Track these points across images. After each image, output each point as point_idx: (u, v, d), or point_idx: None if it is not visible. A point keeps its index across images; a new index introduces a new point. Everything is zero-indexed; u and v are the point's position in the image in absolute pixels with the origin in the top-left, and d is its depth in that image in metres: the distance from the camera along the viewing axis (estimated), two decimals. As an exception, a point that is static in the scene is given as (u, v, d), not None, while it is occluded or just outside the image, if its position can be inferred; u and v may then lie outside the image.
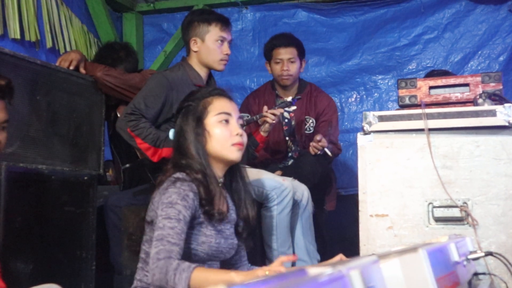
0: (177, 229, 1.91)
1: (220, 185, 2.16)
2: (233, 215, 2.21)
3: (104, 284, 3.44)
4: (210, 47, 3.21)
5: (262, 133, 3.40)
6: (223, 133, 2.14)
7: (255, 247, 2.95)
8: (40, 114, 3.01)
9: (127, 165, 3.57)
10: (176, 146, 2.18)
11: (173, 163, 2.15)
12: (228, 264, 2.27)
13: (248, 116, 3.67)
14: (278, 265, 1.82)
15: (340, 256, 2.12)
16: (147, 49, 5.29)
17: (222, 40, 3.22)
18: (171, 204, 1.95)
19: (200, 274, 1.82)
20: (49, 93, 3.08)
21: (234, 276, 1.84)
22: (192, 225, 2.01)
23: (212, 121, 2.14)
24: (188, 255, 2.01)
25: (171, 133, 2.34)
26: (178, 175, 2.04)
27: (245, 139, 2.19)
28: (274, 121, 3.36)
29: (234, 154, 2.14)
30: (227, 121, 2.15)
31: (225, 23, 3.26)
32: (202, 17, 3.28)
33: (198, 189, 2.03)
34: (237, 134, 2.15)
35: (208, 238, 2.06)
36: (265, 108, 3.40)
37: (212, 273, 1.90)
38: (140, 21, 5.26)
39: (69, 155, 3.19)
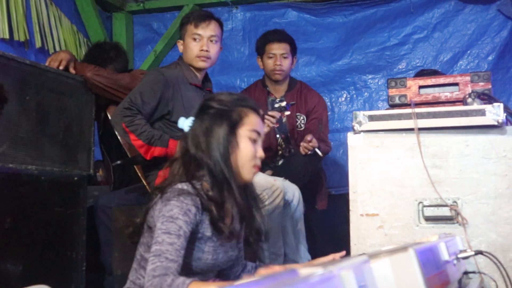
0: (176, 245, 1.82)
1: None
2: (236, 225, 2.12)
3: (95, 284, 3.43)
4: (187, 46, 3.27)
5: None
6: (250, 151, 2.03)
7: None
8: (29, 114, 2.99)
9: (118, 162, 3.51)
10: (200, 143, 2.02)
11: (190, 162, 2.02)
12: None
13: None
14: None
15: (332, 256, 2.12)
16: (137, 49, 5.27)
17: (196, 37, 3.24)
18: (172, 219, 1.86)
19: None
20: (39, 93, 3.06)
21: None
22: (190, 240, 1.93)
23: (243, 134, 2.03)
24: (182, 268, 1.91)
25: (184, 123, 2.11)
26: (184, 186, 1.94)
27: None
28: (273, 125, 3.36)
29: (250, 176, 2.06)
30: (255, 140, 2.06)
31: (200, 20, 3.26)
32: (185, 18, 3.35)
33: (210, 207, 1.95)
34: (259, 157, 2.06)
35: (205, 255, 2.00)
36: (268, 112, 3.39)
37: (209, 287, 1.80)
38: (130, 20, 5.25)
39: (59, 156, 3.17)
